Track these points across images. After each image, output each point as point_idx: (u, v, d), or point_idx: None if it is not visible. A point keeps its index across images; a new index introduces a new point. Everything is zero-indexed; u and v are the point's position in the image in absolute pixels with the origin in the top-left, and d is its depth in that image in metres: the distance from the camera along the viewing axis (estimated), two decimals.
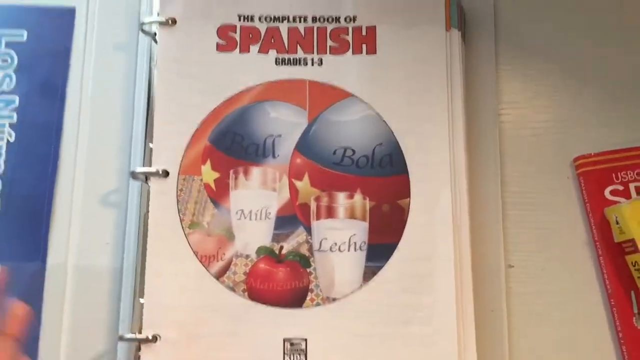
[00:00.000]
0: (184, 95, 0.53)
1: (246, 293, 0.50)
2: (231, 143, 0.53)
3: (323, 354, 0.49)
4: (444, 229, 0.50)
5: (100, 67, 0.56)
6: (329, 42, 0.54)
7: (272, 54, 0.54)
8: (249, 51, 0.54)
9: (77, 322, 0.51)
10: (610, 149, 0.54)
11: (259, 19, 0.55)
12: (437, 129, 0.52)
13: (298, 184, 0.52)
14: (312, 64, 0.54)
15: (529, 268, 0.52)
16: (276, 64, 0.54)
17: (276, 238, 0.51)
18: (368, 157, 0.52)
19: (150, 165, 0.52)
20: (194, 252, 0.50)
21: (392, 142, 0.52)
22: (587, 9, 0.58)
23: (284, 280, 0.50)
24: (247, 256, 0.51)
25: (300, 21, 0.55)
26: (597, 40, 0.57)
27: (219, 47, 0.54)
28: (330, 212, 0.51)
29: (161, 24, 0.54)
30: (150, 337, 0.49)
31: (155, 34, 0.55)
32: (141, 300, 0.50)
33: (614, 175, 0.53)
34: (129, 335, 0.49)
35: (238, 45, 0.54)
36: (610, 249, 0.52)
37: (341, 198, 0.52)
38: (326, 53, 0.54)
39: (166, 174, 0.51)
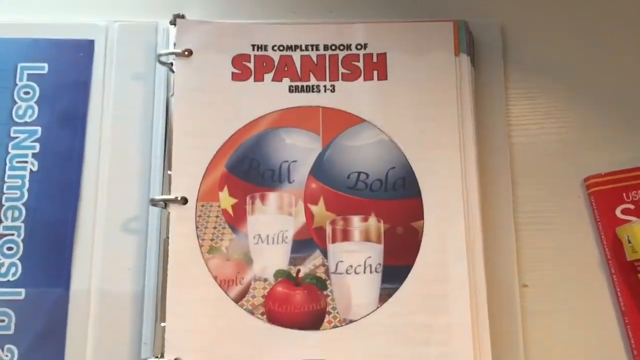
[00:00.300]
0: (201, 124, 0.54)
1: (265, 316, 0.51)
2: (248, 169, 0.54)
3: None
4: (458, 250, 0.51)
5: (119, 97, 0.57)
6: (341, 69, 0.56)
7: (286, 82, 0.56)
8: (263, 80, 0.56)
9: (100, 346, 0.52)
10: (620, 169, 0.55)
11: (272, 48, 0.56)
12: (449, 152, 0.53)
13: (313, 208, 0.53)
14: (325, 91, 0.55)
15: (543, 287, 0.53)
16: (290, 91, 0.56)
17: (293, 261, 0.52)
18: (382, 181, 0.53)
19: (169, 193, 0.53)
20: (213, 277, 0.52)
21: (404, 165, 0.54)
22: (594, 31, 0.59)
23: (301, 303, 0.51)
24: (265, 280, 0.52)
25: (312, 49, 0.56)
26: (604, 61, 0.58)
27: (234, 76, 0.56)
28: (346, 235, 0.53)
29: (177, 55, 0.56)
30: None
31: (172, 64, 0.56)
32: (162, 324, 0.51)
33: (624, 194, 0.54)
34: (151, 359, 0.50)
35: (252, 74, 0.56)
36: (623, 268, 0.52)
37: (356, 221, 0.53)
38: (338, 80, 0.56)
39: (185, 200, 0.53)
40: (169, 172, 0.54)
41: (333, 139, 0.54)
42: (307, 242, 0.53)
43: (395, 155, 0.54)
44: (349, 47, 0.56)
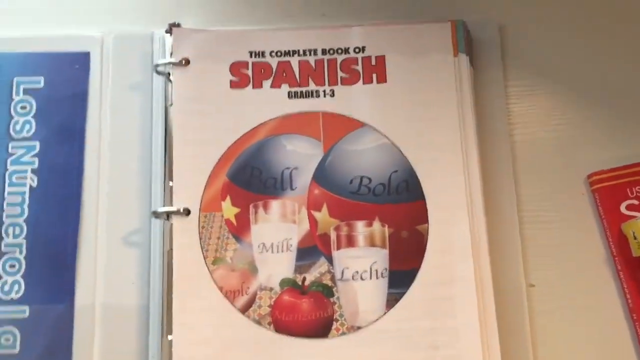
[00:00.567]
0: (200, 133, 0.54)
1: (272, 326, 0.51)
2: (249, 177, 0.54)
3: None
4: (464, 252, 0.51)
5: (117, 109, 0.57)
6: (340, 73, 0.56)
7: (285, 88, 0.55)
8: (261, 86, 0.55)
9: None
10: (623, 164, 0.54)
11: (270, 54, 0.56)
12: (451, 153, 0.53)
13: (317, 214, 0.53)
14: (325, 96, 0.55)
15: (550, 287, 0.53)
16: (289, 97, 0.55)
17: (298, 269, 0.52)
18: (384, 185, 0.53)
19: (171, 204, 0.53)
20: (218, 288, 0.51)
21: (407, 168, 0.53)
22: (592, 27, 0.59)
23: (308, 311, 0.51)
24: (271, 289, 0.52)
25: (310, 54, 0.56)
26: (603, 57, 0.58)
27: (233, 84, 0.55)
28: (350, 241, 0.52)
29: (175, 64, 0.55)
30: None
31: (169, 73, 0.56)
32: (169, 337, 0.51)
33: (628, 190, 0.54)
34: None
35: (251, 81, 0.55)
36: (630, 264, 0.52)
37: (360, 226, 0.52)
38: (337, 84, 0.55)
39: (187, 212, 0.52)
40: (170, 183, 0.54)
41: (334, 144, 0.54)
42: (311, 250, 0.52)
43: (398, 159, 0.54)
44: (347, 50, 0.56)
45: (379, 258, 0.52)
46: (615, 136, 0.56)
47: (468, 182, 0.53)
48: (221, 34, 0.57)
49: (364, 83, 0.55)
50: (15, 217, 0.54)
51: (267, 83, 0.55)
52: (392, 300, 0.51)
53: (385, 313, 0.51)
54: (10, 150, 0.56)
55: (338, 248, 0.52)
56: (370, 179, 0.53)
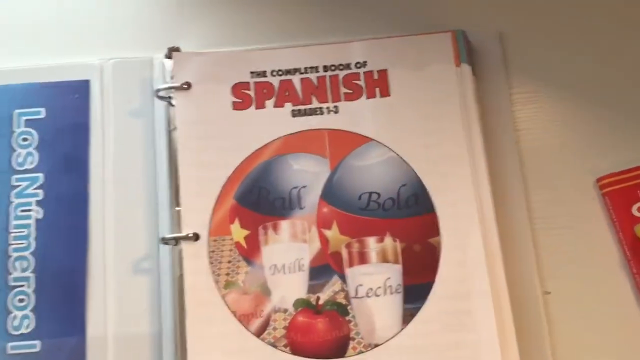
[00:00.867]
0: (205, 157, 0.54)
1: (288, 348, 0.50)
2: (257, 198, 0.53)
3: None
4: (478, 263, 0.51)
5: (120, 136, 0.56)
6: (343, 89, 0.55)
7: (288, 106, 0.55)
8: (264, 107, 0.55)
9: None
10: (631, 167, 0.54)
11: (271, 73, 0.56)
12: (459, 164, 0.53)
13: (327, 233, 0.52)
14: (328, 113, 0.55)
15: (565, 293, 0.52)
16: (293, 116, 0.55)
17: (312, 289, 0.51)
18: (394, 199, 0.53)
19: (179, 229, 0.53)
20: (232, 312, 0.51)
21: (415, 181, 0.53)
22: (592, 32, 0.58)
23: (324, 331, 0.50)
24: (285, 310, 0.51)
25: (311, 71, 0.56)
26: (605, 58, 0.58)
27: (235, 106, 0.55)
28: (363, 258, 0.52)
29: (176, 88, 0.55)
30: None
31: (170, 98, 0.56)
32: None
33: (639, 191, 0.53)
34: None
35: (254, 102, 0.55)
36: None
37: (372, 243, 0.52)
38: (341, 100, 0.55)
39: (197, 237, 0.52)
40: (177, 209, 0.53)
41: (341, 160, 0.54)
42: (324, 268, 0.52)
43: (405, 172, 0.53)
44: (348, 66, 0.56)
45: (393, 273, 0.51)
46: (622, 139, 0.56)
47: (478, 191, 0.52)
48: (221, 56, 0.56)
49: (367, 98, 0.55)
50: (22, 251, 0.54)
51: (270, 103, 0.55)
52: (408, 315, 0.50)
53: (402, 329, 0.50)
54: (14, 183, 0.55)
55: (350, 265, 0.52)
56: (379, 194, 0.53)
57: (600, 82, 0.57)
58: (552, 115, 0.57)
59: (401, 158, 0.53)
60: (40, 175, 0.55)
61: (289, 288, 0.51)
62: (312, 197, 0.53)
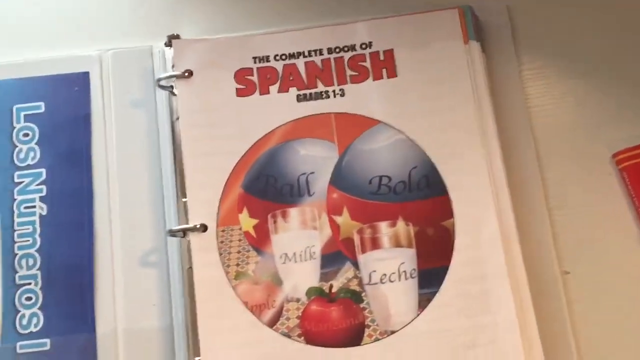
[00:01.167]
0: (210, 146, 0.52)
1: (302, 337, 0.49)
2: (265, 186, 0.52)
3: None
4: (494, 244, 0.49)
5: (122, 128, 0.55)
6: (348, 72, 0.54)
7: (293, 91, 0.54)
8: (269, 92, 0.54)
9: None
10: None
11: (274, 58, 0.54)
12: (471, 144, 0.52)
13: (338, 219, 0.51)
14: (335, 96, 0.53)
15: (585, 272, 0.51)
16: (298, 100, 0.54)
17: (324, 277, 0.50)
18: (405, 182, 0.51)
19: (186, 221, 0.51)
20: (243, 303, 0.50)
21: (426, 163, 0.52)
22: (603, 3, 0.57)
23: (338, 320, 0.49)
24: (298, 299, 0.50)
25: (316, 54, 0.54)
26: (615, 33, 0.56)
27: (239, 92, 0.54)
28: (375, 244, 0.50)
29: (178, 77, 0.54)
30: None
31: (172, 87, 0.54)
32: (197, 359, 0.49)
33: None
34: None
35: (257, 88, 0.54)
36: None
37: (384, 227, 0.51)
38: (347, 83, 0.54)
39: (204, 228, 0.51)
40: (183, 200, 0.52)
41: (349, 144, 0.52)
42: (336, 255, 0.51)
43: (416, 154, 0.52)
44: (353, 47, 0.54)
45: (407, 258, 0.50)
46: (636, 112, 0.54)
47: (491, 171, 0.51)
48: (223, 42, 0.55)
49: (374, 79, 0.53)
50: (27, 248, 0.53)
51: (274, 88, 0.54)
52: (424, 300, 0.49)
53: (418, 314, 0.49)
54: (16, 179, 0.54)
55: (363, 251, 0.50)
56: (389, 178, 0.51)
57: (612, 55, 0.56)
58: (564, 90, 0.55)
59: (411, 140, 0.52)
60: (43, 170, 0.54)
61: (300, 277, 0.50)
62: (321, 183, 0.52)
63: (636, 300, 0.51)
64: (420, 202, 0.51)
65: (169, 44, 0.55)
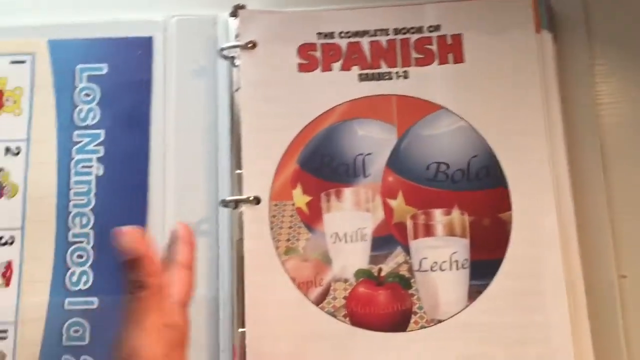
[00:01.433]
0: (269, 119, 0.52)
1: (348, 318, 0.49)
2: (320, 164, 0.51)
3: None
4: (552, 242, 0.48)
5: (182, 95, 0.55)
6: (414, 54, 0.53)
7: (355, 70, 0.53)
8: (331, 69, 0.53)
9: None
10: None
11: (339, 35, 0.54)
12: (535, 137, 0.50)
13: (392, 202, 0.50)
14: (398, 78, 0.53)
15: None
16: (360, 80, 0.53)
17: (374, 260, 0.50)
18: (463, 171, 0.50)
19: (239, 192, 0.51)
20: (291, 279, 0.49)
21: (487, 153, 0.50)
22: None
23: (385, 304, 0.49)
24: (346, 280, 0.50)
25: (381, 34, 0.53)
26: None
27: (301, 67, 0.53)
28: (428, 231, 0.50)
29: (241, 47, 0.53)
30: None
31: (233, 57, 0.54)
32: (241, 330, 0.49)
33: None
34: None
35: (320, 64, 0.53)
36: None
37: (438, 215, 0.50)
38: (411, 65, 0.53)
39: (258, 200, 0.51)
40: (237, 171, 0.52)
41: (409, 128, 0.51)
42: (387, 239, 0.50)
43: (477, 143, 0.51)
44: (420, 29, 0.53)
45: (459, 248, 0.49)
46: None
47: (554, 167, 0.50)
48: (288, 15, 0.54)
49: (439, 64, 0.52)
50: (81, 207, 0.53)
51: (336, 65, 0.53)
52: (475, 292, 0.48)
53: (467, 306, 0.48)
54: (75, 139, 0.55)
55: (415, 237, 0.50)
56: (447, 165, 0.50)
57: None
58: (637, 89, 0.53)
59: (473, 128, 0.51)
60: (102, 131, 0.55)
61: (350, 257, 0.50)
62: (377, 165, 0.51)
63: None
64: (478, 192, 0.50)
65: (234, 14, 0.55)
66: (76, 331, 0.51)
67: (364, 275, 0.49)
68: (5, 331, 0.51)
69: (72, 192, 0.54)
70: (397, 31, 0.53)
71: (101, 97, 0.55)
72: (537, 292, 0.48)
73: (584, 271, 0.48)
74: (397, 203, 0.50)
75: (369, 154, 0.51)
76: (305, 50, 0.53)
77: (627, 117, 0.53)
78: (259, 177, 0.51)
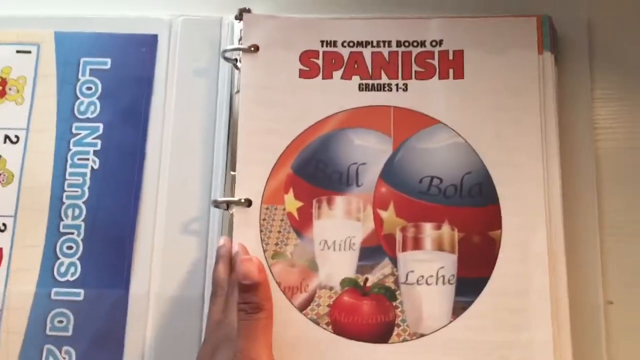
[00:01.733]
0: (266, 123, 0.52)
1: (330, 326, 0.49)
2: (314, 171, 0.51)
3: None
4: (539, 262, 0.48)
5: (182, 94, 0.56)
6: (414, 67, 0.53)
7: (356, 79, 0.53)
8: (331, 77, 0.53)
9: (159, 351, 0.51)
10: None
11: (342, 44, 0.54)
12: (530, 157, 0.50)
13: (383, 213, 0.50)
14: (397, 90, 0.53)
15: (630, 304, 0.49)
16: (359, 89, 0.53)
17: (361, 269, 0.50)
18: (456, 186, 0.50)
19: (232, 194, 0.51)
20: (277, 283, 0.49)
21: (481, 170, 0.50)
22: None
23: (369, 314, 0.49)
24: (331, 288, 0.49)
25: (384, 46, 0.54)
26: None
27: (302, 74, 0.53)
28: (417, 244, 0.50)
29: (244, 50, 0.54)
30: None
31: (236, 60, 0.54)
32: None
33: None
34: None
35: (321, 72, 0.53)
36: None
37: (428, 229, 0.50)
38: (411, 78, 0.53)
39: (249, 203, 0.51)
40: (232, 173, 0.52)
41: (405, 140, 0.51)
42: (375, 250, 0.50)
43: (472, 160, 0.51)
44: (423, 43, 0.53)
45: (447, 263, 0.49)
46: None
47: (547, 188, 0.50)
48: (292, 22, 0.55)
49: (439, 78, 0.52)
50: (75, 199, 0.54)
51: (337, 74, 0.53)
52: (459, 308, 0.48)
53: (451, 322, 0.48)
54: (73, 130, 0.55)
55: (404, 250, 0.50)
56: (441, 179, 0.50)
57: None
58: (637, 116, 0.53)
59: (469, 144, 0.51)
60: (100, 125, 0.55)
61: (337, 266, 0.50)
62: (370, 175, 0.51)
63: None
64: (470, 209, 0.50)
65: (239, 17, 0.55)
66: (60, 322, 0.51)
67: (349, 284, 0.49)
68: None
69: (67, 183, 0.54)
70: (399, 44, 0.53)
71: (102, 91, 0.56)
72: (521, 311, 0.47)
73: (571, 295, 0.48)
74: (388, 214, 0.50)
75: (364, 163, 0.51)
76: (307, 57, 0.54)
77: (624, 143, 0.53)
78: (252, 180, 0.51)
